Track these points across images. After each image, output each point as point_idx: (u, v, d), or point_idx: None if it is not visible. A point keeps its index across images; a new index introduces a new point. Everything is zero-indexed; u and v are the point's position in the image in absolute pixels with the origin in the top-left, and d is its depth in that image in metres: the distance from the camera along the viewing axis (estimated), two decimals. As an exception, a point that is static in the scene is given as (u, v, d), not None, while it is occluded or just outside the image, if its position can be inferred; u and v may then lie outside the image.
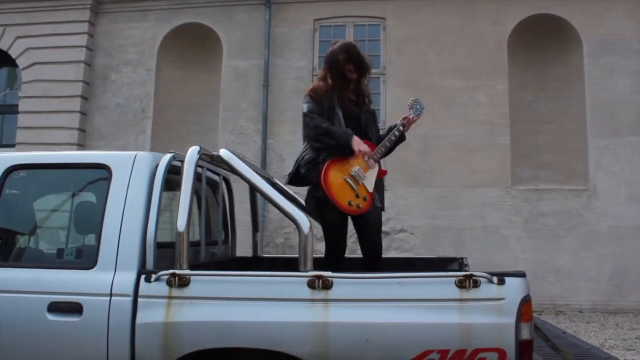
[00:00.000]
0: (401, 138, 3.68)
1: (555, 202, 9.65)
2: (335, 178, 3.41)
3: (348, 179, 3.42)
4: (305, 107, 3.59)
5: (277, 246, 9.91)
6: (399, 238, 9.79)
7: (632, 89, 9.69)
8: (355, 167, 3.45)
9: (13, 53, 10.73)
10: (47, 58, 10.51)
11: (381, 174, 3.56)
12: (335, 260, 3.51)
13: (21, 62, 10.69)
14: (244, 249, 4.60)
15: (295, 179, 3.59)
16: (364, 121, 3.65)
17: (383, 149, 3.55)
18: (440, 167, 9.78)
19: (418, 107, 3.71)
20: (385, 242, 9.61)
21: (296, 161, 3.63)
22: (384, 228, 10.36)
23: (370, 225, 3.53)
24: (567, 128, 9.96)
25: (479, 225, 9.68)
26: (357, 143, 3.43)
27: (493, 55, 9.94)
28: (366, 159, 3.47)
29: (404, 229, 9.83)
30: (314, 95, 3.60)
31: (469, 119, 9.82)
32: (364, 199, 3.43)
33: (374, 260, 3.51)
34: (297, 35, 10.25)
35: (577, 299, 9.36)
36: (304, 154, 3.60)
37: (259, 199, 4.37)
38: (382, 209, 3.62)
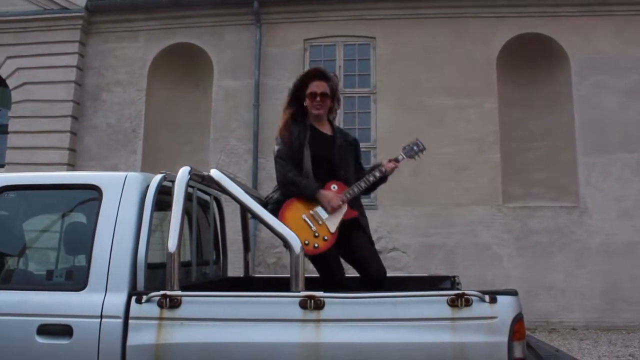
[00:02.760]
0: (382, 179, 3.62)
1: (546, 220, 9.69)
2: (293, 216, 3.36)
3: (306, 218, 3.37)
4: (275, 150, 3.58)
5: (268, 266, 9.87)
6: (391, 257, 9.77)
7: (620, 107, 9.79)
8: (318, 207, 3.40)
9: (3, 73, 10.71)
10: (37, 78, 10.49)
11: (349, 215, 3.46)
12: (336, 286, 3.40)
13: (11, 82, 10.66)
14: (235, 268, 4.59)
15: None
16: (337, 159, 3.56)
17: (356, 190, 3.49)
18: (432, 185, 9.80)
19: (415, 148, 3.71)
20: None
21: (265, 198, 3.63)
22: (376, 247, 10.34)
23: (363, 253, 3.55)
24: (556, 145, 10.04)
25: (470, 243, 9.69)
26: (324, 198, 3.38)
27: (482, 74, 10.02)
28: (337, 195, 3.43)
29: (396, 247, 9.82)
30: (284, 135, 3.55)
31: (459, 137, 9.87)
32: (324, 238, 3.35)
33: (378, 282, 3.47)
34: (287, 55, 10.31)
35: (570, 316, 9.36)
36: (273, 193, 3.60)
37: (250, 219, 4.36)
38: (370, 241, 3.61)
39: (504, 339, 2.42)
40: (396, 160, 3.64)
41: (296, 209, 3.39)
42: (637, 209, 9.53)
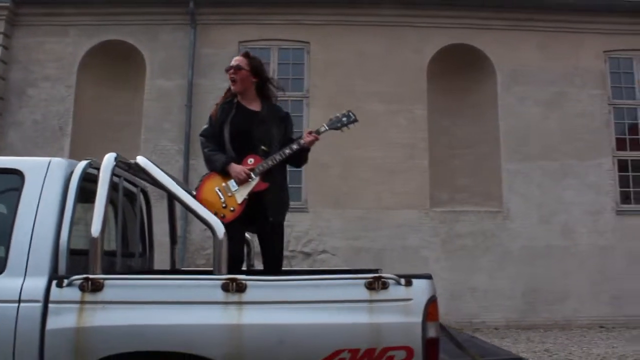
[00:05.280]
0: (304, 150, 3.71)
1: (471, 224, 10.04)
2: (208, 188, 3.57)
3: (218, 189, 3.54)
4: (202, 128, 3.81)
5: (198, 267, 9.79)
6: (321, 259, 9.90)
7: (541, 117, 10.29)
8: (231, 180, 3.56)
9: None
10: (-43, 70, 10.09)
11: (258, 187, 3.57)
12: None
13: None
14: (163, 266, 4.57)
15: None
16: (259, 134, 3.68)
17: (270, 162, 3.59)
18: (361, 189, 9.98)
19: (344, 119, 3.76)
20: (306, 263, 9.74)
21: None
22: (305, 249, 10.41)
23: (264, 238, 3.69)
24: (482, 152, 10.43)
25: (398, 246, 9.92)
26: (232, 171, 3.54)
27: (414, 81, 10.31)
28: (245, 169, 3.56)
29: (326, 250, 9.94)
30: (211, 114, 3.78)
31: (389, 142, 10.11)
32: (231, 209, 3.50)
33: (273, 267, 3.62)
34: (222, 57, 10.27)
35: (493, 317, 9.73)
36: None
37: (178, 212, 4.36)
38: (275, 222, 3.68)
39: (419, 319, 2.55)
40: (317, 132, 3.71)
41: (211, 182, 3.57)
42: (556, 214, 10.03)
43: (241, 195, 3.52)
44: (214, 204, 3.46)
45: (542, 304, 9.75)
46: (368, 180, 9.96)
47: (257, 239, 3.76)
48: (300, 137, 3.71)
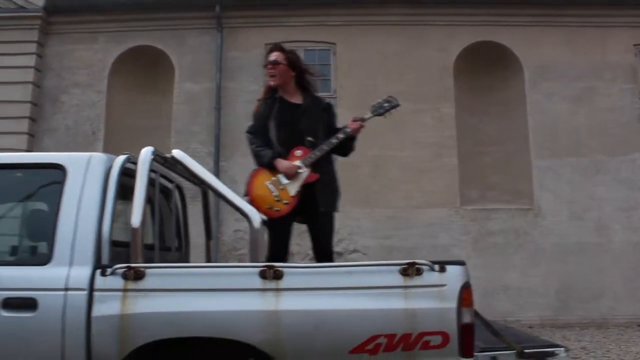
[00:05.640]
0: (350, 139, 3.73)
1: (502, 221, 9.98)
2: (258, 183, 3.58)
3: (269, 184, 3.55)
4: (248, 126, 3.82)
5: (230, 267, 9.90)
6: (352, 259, 9.91)
7: (570, 113, 10.19)
8: (281, 173, 3.57)
9: (-42, 74, 10.53)
10: (-7, 78, 10.35)
11: (310, 179, 3.60)
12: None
13: (-33, 83, 10.49)
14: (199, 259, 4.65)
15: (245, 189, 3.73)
16: (304, 126, 3.70)
17: (318, 153, 3.62)
18: (391, 188, 9.99)
19: (386, 105, 3.79)
20: (338, 262, 9.77)
21: None
22: (336, 248, 10.43)
23: (315, 228, 3.68)
24: (511, 150, 10.36)
25: (429, 244, 9.88)
26: (280, 166, 3.56)
27: (439, 80, 10.29)
28: (296, 163, 3.58)
29: (357, 249, 9.97)
30: (254, 111, 3.82)
31: (417, 141, 10.10)
32: (285, 202, 3.52)
33: (324, 258, 3.62)
34: (248, 59, 10.40)
35: (527, 315, 9.64)
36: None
37: (212, 209, 4.44)
38: (328, 212, 3.70)
39: (453, 305, 2.57)
40: (362, 119, 3.73)
41: (261, 177, 3.58)
42: (588, 211, 9.91)
43: (294, 187, 3.54)
44: (267, 198, 3.49)
45: (576, 301, 9.63)
46: (397, 180, 9.97)
47: (308, 229, 3.75)
48: (345, 126, 3.72)
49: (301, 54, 10.42)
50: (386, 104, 3.80)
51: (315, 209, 3.63)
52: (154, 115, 10.61)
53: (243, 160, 9.84)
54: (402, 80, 10.24)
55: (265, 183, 3.55)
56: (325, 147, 3.64)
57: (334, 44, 10.56)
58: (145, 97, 10.69)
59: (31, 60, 10.43)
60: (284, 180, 3.55)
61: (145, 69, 10.66)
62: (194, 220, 4.43)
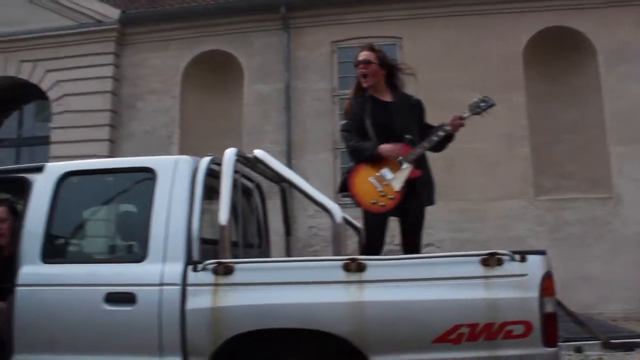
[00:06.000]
0: (448, 137, 3.77)
1: (580, 211, 9.69)
2: (361, 179, 3.61)
3: (372, 179, 3.59)
4: (341, 124, 3.90)
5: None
6: (427, 252, 9.87)
7: (648, 95, 9.78)
8: (384, 169, 3.61)
9: (44, 86, 11.14)
10: (75, 89, 10.89)
11: (413, 175, 3.63)
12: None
13: (52, 95, 11.08)
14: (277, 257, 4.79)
15: (340, 185, 3.83)
16: (398, 123, 3.73)
17: (419, 150, 3.66)
18: (463, 180, 9.88)
19: (482, 104, 3.82)
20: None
21: (343, 172, 3.91)
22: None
23: (410, 222, 3.74)
24: (587, 137, 10.04)
25: (504, 236, 9.72)
26: (385, 150, 3.58)
27: (509, 69, 10.08)
28: (399, 159, 3.61)
29: (431, 243, 9.90)
30: (346, 110, 3.87)
31: (488, 133, 9.92)
32: (390, 197, 3.57)
33: (412, 251, 3.70)
34: (315, 58, 10.52)
35: (609, 308, 9.31)
36: (350, 163, 3.85)
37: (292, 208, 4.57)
38: (427, 204, 3.79)
39: (535, 294, 2.59)
40: (461, 117, 3.76)
41: (363, 173, 3.62)
42: (671, 198, 9.50)
43: (398, 182, 3.58)
44: (371, 193, 3.54)
45: (662, 293, 9.26)
46: (469, 172, 9.85)
47: (400, 223, 3.80)
48: (444, 124, 3.74)
49: (367, 50, 10.54)
50: (482, 104, 3.83)
51: (414, 203, 3.68)
52: (225, 117, 10.89)
53: (313, 158, 10.02)
54: (471, 71, 10.10)
55: (369, 179, 3.58)
56: (426, 144, 3.68)
57: (400, 38, 10.54)
58: (216, 99, 10.99)
59: (109, 71, 10.93)
60: (388, 176, 3.59)
61: (215, 72, 10.96)
62: (270, 217, 4.56)
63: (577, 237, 9.58)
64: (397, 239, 4.08)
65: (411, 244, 3.74)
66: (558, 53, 10.21)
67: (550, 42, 10.16)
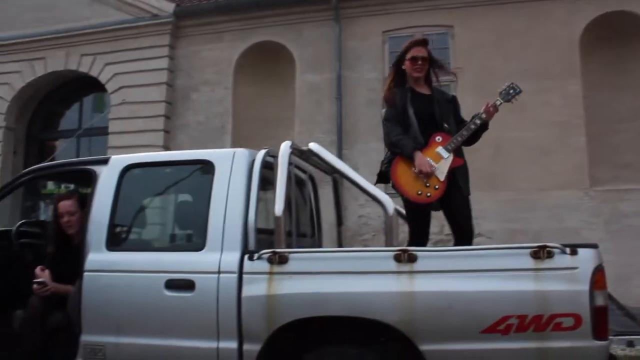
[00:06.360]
0: (483, 127, 3.84)
1: (637, 203, 9.45)
2: (404, 170, 3.67)
3: (417, 170, 3.64)
4: (383, 113, 3.94)
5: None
6: (476, 243, 9.71)
7: None
8: (427, 159, 3.67)
9: (102, 79, 11.53)
10: (132, 82, 11.24)
11: (456, 163, 3.73)
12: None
13: (110, 87, 11.47)
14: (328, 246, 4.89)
15: (378, 176, 3.89)
16: (438, 114, 3.83)
17: (459, 139, 3.74)
18: (514, 170, 9.76)
19: (512, 92, 3.87)
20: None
21: (382, 161, 3.96)
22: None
23: (458, 211, 3.81)
24: (646, 126, 9.77)
25: (557, 227, 9.56)
26: (419, 160, 3.63)
27: (564, 56, 9.88)
28: (438, 149, 3.69)
29: (481, 233, 9.81)
30: (388, 99, 3.92)
31: (541, 121, 9.78)
32: (435, 187, 3.64)
33: (466, 240, 3.74)
34: (367, 48, 10.54)
35: (669, 303, 9.10)
36: (387, 153, 3.93)
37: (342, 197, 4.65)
38: (468, 194, 3.89)
39: (585, 287, 2.60)
40: (494, 105, 3.83)
41: (407, 164, 3.68)
42: None
43: (442, 172, 3.66)
44: (416, 184, 3.61)
45: None
46: (521, 162, 9.72)
47: (445, 213, 3.88)
48: (479, 113, 3.82)
49: (419, 39, 10.48)
50: (512, 91, 3.86)
51: (457, 193, 3.78)
52: (277, 108, 11.04)
53: (364, 147, 10.05)
54: (524, 59, 9.94)
55: (413, 170, 3.64)
56: (465, 132, 3.77)
57: (451, 26, 10.45)
58: (268, 90, 11.14)
59: (164, 63, 11.23)
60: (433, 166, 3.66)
61: (267, 63, 11.10)
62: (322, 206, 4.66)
63: (634, 229, 9.33)
64: (447, 229, 4.13)
65: (463, 232, 3.80)
66: (617, 39, 9.93)
67: (609, 28, 9.88)
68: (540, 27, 10.01)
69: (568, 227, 9.48)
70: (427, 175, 3.61)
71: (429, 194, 3.62)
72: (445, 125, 3.82)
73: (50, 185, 11.27)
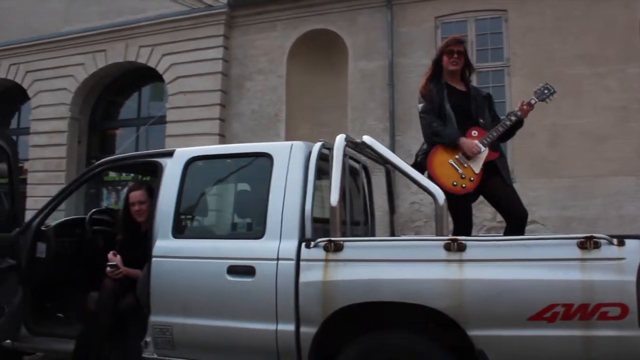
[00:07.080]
0: (518, 123, 3.95)
1: (697, 189, 9.23)
2: (440, 161, 3.83)
3: (452, 162, 3.81)
4: (419, 107, 4.08)
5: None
6: (530, 230, 9.66)
7: None
8: (474, 141, 3.83)
9: (160, 69, 11.91)
10: (188, 71, 11.58)
11: (491, 157, 3.85)
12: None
13: (167, 77, 11.83)
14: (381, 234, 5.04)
15: (413, 167, 4.01)
16: (474, 109, 3.98)
17: (495, 134, 3.86)
18: (570, 156, 9.64)
19: (546, 92, 3.97)
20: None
21: (416, 153, 4.11)
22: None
23: (505, 198, 3.88)
24: None
25: (614, 215, 9.43)
26: (465, 145, 3.81)
27: (623, 39, 9.63)
28: (475, 143, 3.82)
29: (535, 220, 9.76)
30: (424, 93, 4.05)
31: (598, 106, 9.61)
32: (470, 179, 3.79)
33: (519, 223, 3.85)
34: (419, 34, 10.54)
35: None
36: (422, 145, 4.10)
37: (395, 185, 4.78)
38: (510, 184, 3.96)
39: (632, 278, 2.66)
40: (529, 104, 3.94)
41: (442, 156, 3.86)
42: None
43: (477, 165, 3.82)
44: (452, 175, 3.79)
45: None
46: (576, 148, 9.58)
47: (492, 203, 4.02)
48: (515, 110, 3.95)
49: (472, 25, 10.44)
50: (546, 91, 3.97)
51: (498, 180, 3.89)
52: (330, 95, 11.17)
53: (417, 134, 10.02)
54: (580, 43, 9.76)
55: (449, 161, 3.82)
56: (500, 128, 3.90)
57: (505, 11, 10.33)
58: (321, 77, 11.28)
59: (219, 53, 11.52)
60: (468, 159, 3.82)
61: (320, 51, 11.23)
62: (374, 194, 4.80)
63: (696, 217, 9.13)
64: (499, 216, 4.22)
65: (518, 216, 3.91)
66: (680, 21, 9.64)
67: (671, 9, 9.61)
68: (598, 9, 9.80)
69: (626, 215, 9.34)
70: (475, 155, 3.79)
71: (464, 185, 3.77)
72: (481, 120, 3.97)
73: (112, 173, 11.75)
